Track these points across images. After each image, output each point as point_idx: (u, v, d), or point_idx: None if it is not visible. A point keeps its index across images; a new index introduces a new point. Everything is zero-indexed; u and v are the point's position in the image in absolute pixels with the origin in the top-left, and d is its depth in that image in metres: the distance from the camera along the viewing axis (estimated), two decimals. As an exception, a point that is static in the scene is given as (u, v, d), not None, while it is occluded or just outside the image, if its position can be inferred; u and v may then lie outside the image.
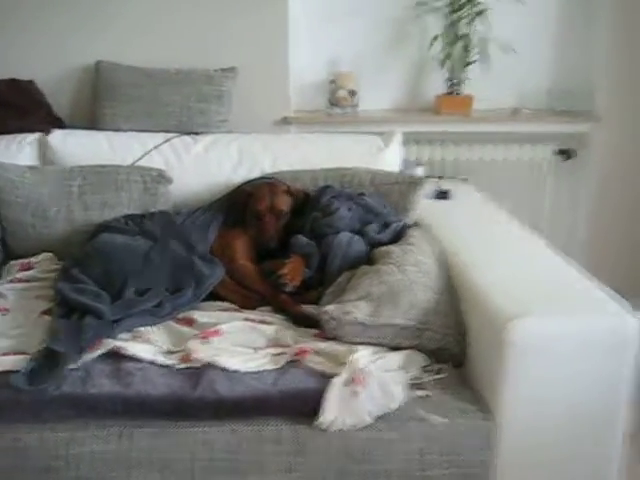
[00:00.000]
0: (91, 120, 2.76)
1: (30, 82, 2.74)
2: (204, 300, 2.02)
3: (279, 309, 1.98)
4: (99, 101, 2.74)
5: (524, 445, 1.62)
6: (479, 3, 2.96)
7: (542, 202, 3.22)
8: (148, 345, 1.73)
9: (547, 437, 1.62)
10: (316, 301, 2.00)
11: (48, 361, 1.62)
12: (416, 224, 2.35)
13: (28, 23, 2.76)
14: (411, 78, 3.20)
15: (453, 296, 1.89)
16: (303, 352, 1.69)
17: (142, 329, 1.83)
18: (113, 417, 1.54)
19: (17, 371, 1.59)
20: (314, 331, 1.83)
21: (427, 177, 2.96)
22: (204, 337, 1.77)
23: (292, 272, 2.01)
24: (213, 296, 2.05)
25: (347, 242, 2.12)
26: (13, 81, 2.70)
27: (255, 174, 2.52)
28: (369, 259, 2.09)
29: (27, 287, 2.11)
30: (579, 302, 1.70)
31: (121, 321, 1.82)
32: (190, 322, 1.90)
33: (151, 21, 2.82)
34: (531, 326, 1.57)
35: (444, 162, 3.13)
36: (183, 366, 1.66)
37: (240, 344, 1.76)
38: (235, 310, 1.99)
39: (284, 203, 2.27)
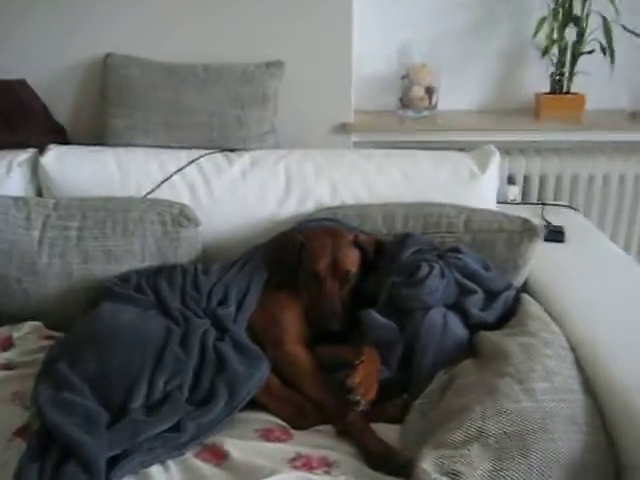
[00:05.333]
0: (98, 131, 2.16)
1: (21, 83, 2.15)
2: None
3: (345, 433, 1.38)
4: (107, 107, 2.13)
5: None
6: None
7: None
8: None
9: None
10: (399, 416, 1.41)
11: None
12: (524, 288, 1.74)
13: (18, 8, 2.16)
14: (502, 72, 2.50)
15: (606, 431, 1.27)
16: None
17: (150, 471, 1.26)
18: None
19: None
20: (401, 483, 1.24)
21: (523, 202, 2.38)
22: (239, 497, 1.19)
23: (365, 381, 1.40)
24: (250, 402, 1.46)
25: (442, 326, 1.51)
26: (-1, 82, 2.12)
27: (308, 209, 1.94)
28: (472, 347, 1.50)
29: (2, 378, 1.55)
30: None
31: (121, 461, 1.25)
32: (219, 456, 1.32)
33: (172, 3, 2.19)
34: None
35: (544, 180, 2.47)
36: None
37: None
38: (281, 431, 1.40)
39: (351, 260, 1.66)
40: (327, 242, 1.67)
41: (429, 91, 2.40)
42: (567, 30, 2.34)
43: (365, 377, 1.40)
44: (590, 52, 2.32)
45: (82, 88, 2.26)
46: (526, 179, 2.47)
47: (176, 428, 1.34)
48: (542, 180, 2.46)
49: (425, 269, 1.58)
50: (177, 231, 1.81)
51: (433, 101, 2.42)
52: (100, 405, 1.36)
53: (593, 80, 2.38)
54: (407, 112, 2.42)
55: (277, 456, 1.30)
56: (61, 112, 2.27)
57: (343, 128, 2.34)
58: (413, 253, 1.67)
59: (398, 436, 1.37)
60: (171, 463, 1.29)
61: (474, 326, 1.54)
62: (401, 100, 2.43)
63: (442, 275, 1.58)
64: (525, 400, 1.25)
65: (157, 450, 1.30)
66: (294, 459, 1.30)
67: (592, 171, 2.45)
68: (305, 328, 1.62)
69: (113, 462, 1.25)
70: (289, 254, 1.70)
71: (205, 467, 1.28)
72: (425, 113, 2.41)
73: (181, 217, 1.82)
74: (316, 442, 1.36)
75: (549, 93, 2.43)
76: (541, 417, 1.22)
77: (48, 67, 2.24)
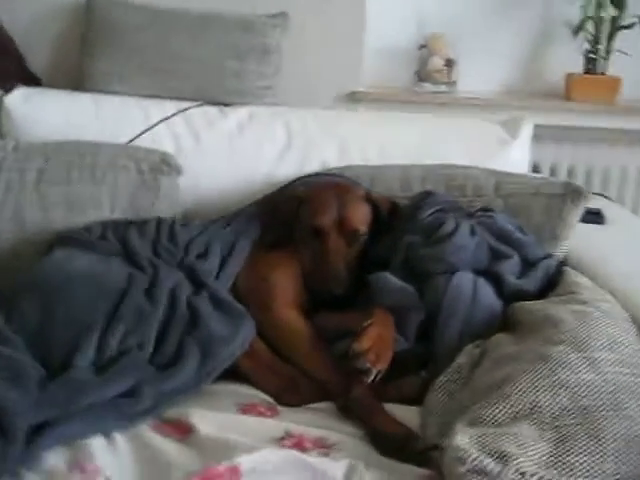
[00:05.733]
0: (77, 78, 1.90)
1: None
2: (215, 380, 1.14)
3: (348, 411, 1.09)
4: (88, 52, 1.87)
5: None
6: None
7: None
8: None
9: None
10: (416, 395, 1.12)
11: None
12: (564, 263, 1.45)
13: None
14: (530, 49, 2.29)
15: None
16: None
17: (89, 443, 0.96)
18: None
19: None
20: (420, 472, 0.93)
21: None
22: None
23: (377, 346, 1.11)
24: (231, 371, 1.17)
25: (471, 294, 1.22)
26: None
27: (312, 169, 1.65)
28: (505, 321, 1.21)
29: None
30: None
31: (52, 427, 0.95)
32: (183, 431, 1.01)
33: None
34: None
35: (573, 169, 2.22)
36: None
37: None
38: (267, 407, 1.10)
39: (359, 218, 1.37)
40: (332, 196, 1.39)
41: (449, 63, 2.16)
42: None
43: (377, 341, 1.11)
44: (629, 27, 2.09)
45: (62, 36, 2.00)
46: (552, 170, 2.22)
47: (131, 394, 1.04)
48: (570, 170, 2.22)
49: (450, 225, 1.31)
50: (156, 179, 1.53)
51: (453, 76, 2.17)
52: (37, 361, 1.07)
53: (632, 63, 2.15)
54: (424, 86, 2.16)
55: (260, 433, 1.00)
56: (37, 62, 2.01)
57: (352, 97, 2.09)
58: (435, 212, 1.39)
59: (417, 419, 1.07)
60: (118, 435, 0.99)
61: (509, 296, 1.26)
62: (418, 73, 2.18)
63: (471, 233, 1.30)
64: (587, 371, 0.97)
65: (102, 418, 1.01)
66: (282, 438, 1.00)
67: (625, 162, 2.21)
68: (301, 292, 1.32)
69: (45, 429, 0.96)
70: (286, 211, 1.41)
71: (162, 441, 0.99)
72: (443, 88, 2.16)
73: (161, 164, 1.54)
74: (311, 420, 1.07)
75: (583, 74, 2.19)
76: (610, 391, 0.93)
77: (26, 13, 1.99)
